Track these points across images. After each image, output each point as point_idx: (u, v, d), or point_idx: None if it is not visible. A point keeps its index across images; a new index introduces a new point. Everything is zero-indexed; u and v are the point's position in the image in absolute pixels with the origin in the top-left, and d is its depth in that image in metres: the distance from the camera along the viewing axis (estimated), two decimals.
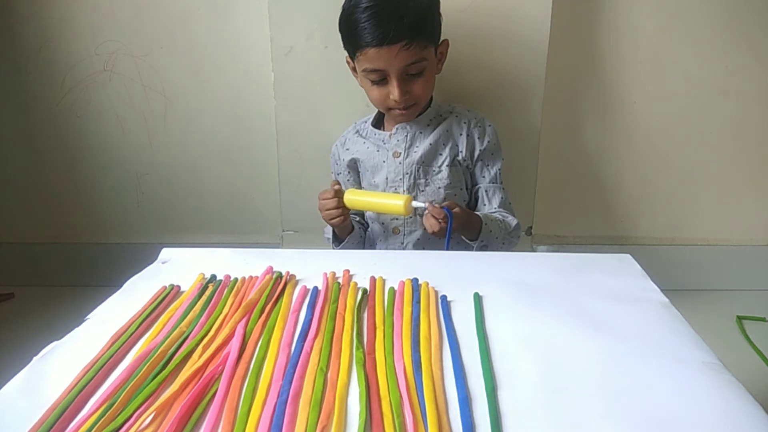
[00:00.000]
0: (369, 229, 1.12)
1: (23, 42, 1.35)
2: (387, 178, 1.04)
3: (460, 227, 0.92)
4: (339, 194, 0.98)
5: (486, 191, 1.06)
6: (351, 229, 1.06)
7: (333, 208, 0.98)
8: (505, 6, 1.17)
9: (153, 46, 1.34)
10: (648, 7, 1.29)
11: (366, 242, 1.12)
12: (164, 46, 1.35)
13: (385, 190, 1.04)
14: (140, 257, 0.77)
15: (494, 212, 1.06)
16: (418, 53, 0.93)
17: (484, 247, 0.97)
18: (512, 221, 1.03)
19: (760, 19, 1.29)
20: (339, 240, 1.06)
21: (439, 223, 0.89)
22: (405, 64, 0.93)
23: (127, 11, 1.32)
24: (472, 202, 1.09)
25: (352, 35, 0.94)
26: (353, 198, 0.97)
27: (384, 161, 1.04)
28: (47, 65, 1.37)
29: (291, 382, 0.48)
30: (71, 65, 1.36)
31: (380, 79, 0.95)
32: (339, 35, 1.10)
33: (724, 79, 1.34)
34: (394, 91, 0.95)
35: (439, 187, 1.02)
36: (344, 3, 0.96)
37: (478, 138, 1.04)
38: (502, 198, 1.06)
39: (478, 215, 0.97)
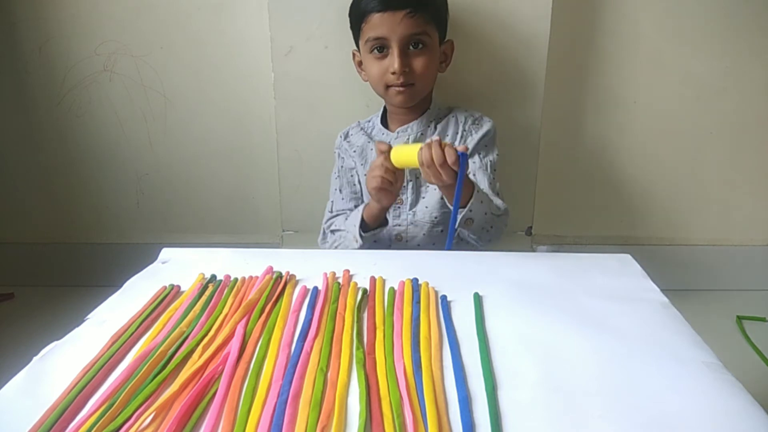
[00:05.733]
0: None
1: (23, 42, 1.35)
2: None
3: (449, 179, 0.79)
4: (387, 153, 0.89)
5: (474, 174, 1.00)
6: (385, 220, 0.99)
7: (380, 166, 0.88)
8: (505, 6, 1.17)
9: (153, 46, 1.34)
10: (648, 7, 1.28)
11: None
12: (164, 46, 1.34)
13: None
14: (140, 257, 0.77)
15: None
16: (422, 25, 0.93)
17: (468, 222, 0.88)
18: (500, 203, 0.95)
19: (760, 19, 1.29)
20: (367, 230, 0.97)
21: (442, 176, 0.78)
22: (408, 32, 0.93)
23: (127, 11, 1.32)
24: None
25: (359, 6, 0.95)
26: (398, 154, 0.87)
27: None
28: (47, 65, 1.37)
29: (291, 382, 0.48)
30: (71, 65, 1.36)
31: (382, 49, 0.95)
32: (339, 35, 1.10)
33: (724, 79, 1.34)
34: (394, 62, 0.94)
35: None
36: None
37: (475, 132, 1.03)
38: (490, 183, 0.99)
39: (471, 179, 0.89)
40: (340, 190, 1.10)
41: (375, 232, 0.98)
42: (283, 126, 1.27)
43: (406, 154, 0.85)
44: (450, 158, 0.76)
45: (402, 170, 0.90)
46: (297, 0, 1.17)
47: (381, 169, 0.87)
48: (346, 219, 1.04)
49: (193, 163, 1.44)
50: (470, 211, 0.86)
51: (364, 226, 0.97)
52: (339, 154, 1.11)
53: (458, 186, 0.78)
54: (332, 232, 1.07)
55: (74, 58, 1.36)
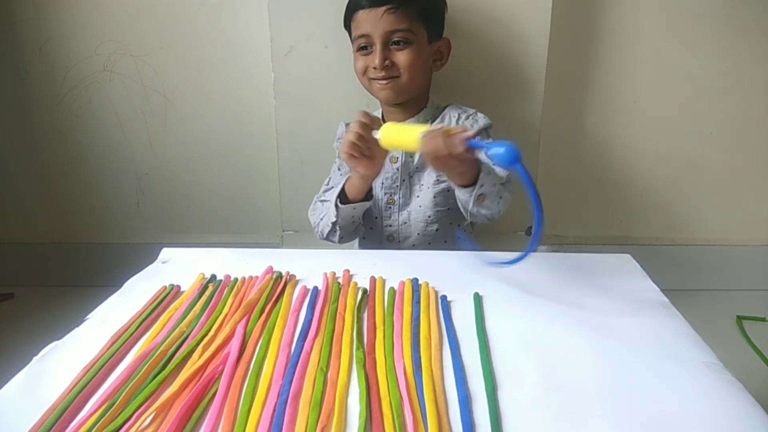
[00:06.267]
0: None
1: (23, 42, 1.35)
2: (383, 184, 1.03)
3: (457, 167, 0.76)
4: (372, 125, 0.84)
5: None
6: (370, 194, 0.94)
7: (354, 132, 0.83)
8: (505, 6, 1.17)
9: (153, 46, 1.34)
10: (648, 7, 1.28)
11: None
12: (164, 46, 1.34)
13: (380, 196, 1.02)
14: (140, 257, 0.77)
15: None
16: (405, 21, 0.93)
17: (480, 198, 0.83)
18: (500, 171, 0.91)
19: (760, 19, 1.29)
20: (345, 201, 0.93)
21: (453, 165, 0.73)
22: (389, 29, 0.93)
23: (127, 11, 1.32)
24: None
25: (348, 6, 0.98)
26: (390, 136, 0.78)
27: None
28: (47, 65, 1.37)
29: (291, 382, 0.48)
30: (71, 65, 1.36)
31: (366, 46, 0.96)
32: (339, 35, 1.10)
33: (724, 79, 1.34)
34: (374, 57, 0.95)
35: (434, 182, 1.01)
36: None
37: (470, 127, 1.02)
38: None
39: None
40: (339, 168, 1.09)
41: (355, 206, 0.93)
42: (283, 126, 1.27)
43: (403, 137, 0.77)
44: (456, 150, 0.70)
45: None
46: (297, 0, 1.17)
47: (353, 134, 0.83)
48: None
49: (193, 163, 1.44)
50: (481, 186, 0.82)
51: (343, 198, 0.93)
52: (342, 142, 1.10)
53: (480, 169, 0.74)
54: (321, 202, 1.05)
55: (74, 58, 1.36)
